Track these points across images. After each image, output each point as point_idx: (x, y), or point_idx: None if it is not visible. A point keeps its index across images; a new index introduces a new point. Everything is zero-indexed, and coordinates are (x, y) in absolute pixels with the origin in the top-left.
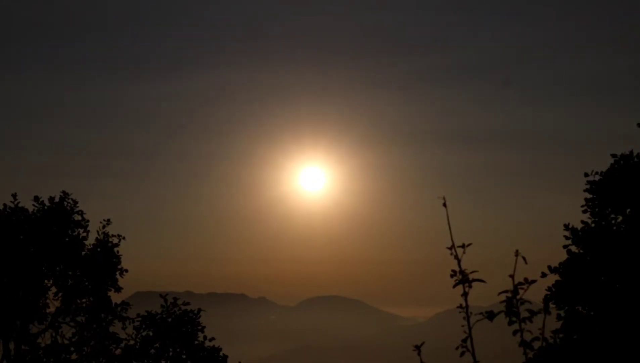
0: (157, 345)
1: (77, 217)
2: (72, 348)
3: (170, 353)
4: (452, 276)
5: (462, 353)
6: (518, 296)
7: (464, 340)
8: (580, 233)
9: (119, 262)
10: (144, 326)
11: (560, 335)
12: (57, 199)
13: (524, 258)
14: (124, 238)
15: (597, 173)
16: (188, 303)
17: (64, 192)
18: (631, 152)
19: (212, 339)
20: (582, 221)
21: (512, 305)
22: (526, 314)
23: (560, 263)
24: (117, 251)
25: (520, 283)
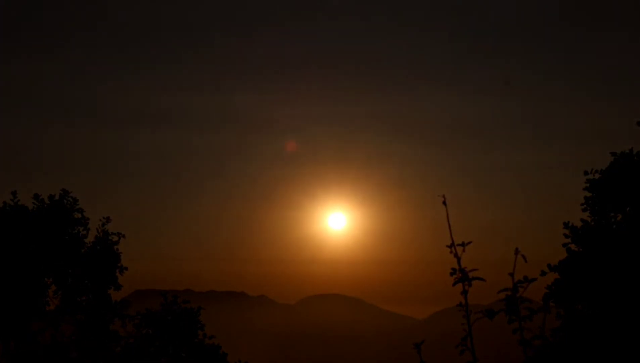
0: (157, 343)
1: (77, 215)
2: (72, 347)
3: (170, 352)
4: (451, 274)
5: (462, 352)
6: (518, 295)
7: (464, 339)
8: (580, 232)
9: (119, 260)
10: (143, 324)
11: (560, 334)
12: (57, 198)
13: (523, 257)
14: (123, 236)
15: (596, 171)
16: (188, 301)
17: (63, 190)
18: (631, 150)
19: (212, 337)
20: (582, 220)
21: (512, 304)
22: (526, 312)
23: (560, 262)
24: (117, 249)
25: (520, 282)
